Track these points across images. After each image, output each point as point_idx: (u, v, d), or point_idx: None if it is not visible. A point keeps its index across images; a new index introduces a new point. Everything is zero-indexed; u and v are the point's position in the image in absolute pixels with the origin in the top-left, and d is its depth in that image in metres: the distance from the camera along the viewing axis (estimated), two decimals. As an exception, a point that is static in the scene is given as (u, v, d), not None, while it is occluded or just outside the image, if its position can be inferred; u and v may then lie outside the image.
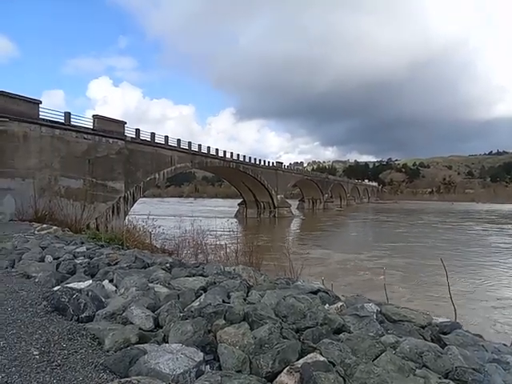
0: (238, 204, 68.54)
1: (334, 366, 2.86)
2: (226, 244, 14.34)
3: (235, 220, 47.41)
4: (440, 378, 2.86)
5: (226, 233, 18.84)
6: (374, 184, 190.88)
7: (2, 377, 2.64)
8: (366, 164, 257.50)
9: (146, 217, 18.74)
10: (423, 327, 4.13)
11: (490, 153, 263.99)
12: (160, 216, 30.05)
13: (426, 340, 3.64)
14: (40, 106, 22.10)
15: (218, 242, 16.55)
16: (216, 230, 19.06)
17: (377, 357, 3.09)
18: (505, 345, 4.42)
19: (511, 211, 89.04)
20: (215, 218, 29.49)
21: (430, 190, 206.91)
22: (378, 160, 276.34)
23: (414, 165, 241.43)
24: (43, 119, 22.03)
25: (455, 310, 5.60)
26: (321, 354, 3.07)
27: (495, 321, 12.51)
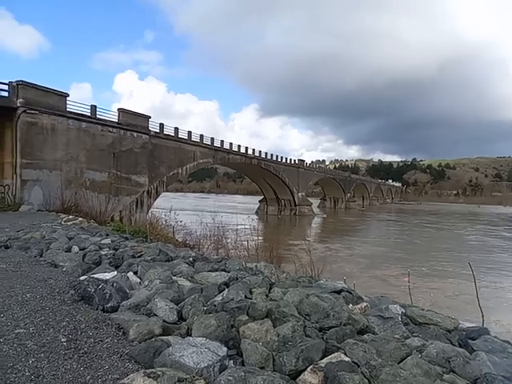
0: (259, 201, 68.51)
1: (358, 366, 2.82)
2: (247, 240, 14.34)
3: (256, 217, 47.30)
4: (468, 384, 2.78)
5: (246, 229, 18.86)
6: (398, 184, 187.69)
7: (32, 361, 2.71)
8: (390, 164, 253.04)
9: (168, 211, 18.95)
10: (450, 331, 4.04)
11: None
12: (182, 210, 30.40)
13: (453, 345, 3.55)
14: (67, 98, 22.55)
15: (238, 238, 16.59)
16: (237, 226, 19.12)
17: (402, 360, 3.03)
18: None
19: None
20: (236, 214, 29.60)
21: (455, 191, 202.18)
22: (403, 160, 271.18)
23: (439, 166, 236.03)
24: (70, 112, 22.45)
25: (482, 315, 5.43)
26: (345, 354, 3.04)
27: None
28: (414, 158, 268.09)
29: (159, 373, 2.49)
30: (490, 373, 2.99)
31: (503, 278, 19.92)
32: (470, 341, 3.86)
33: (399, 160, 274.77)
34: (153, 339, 3.20)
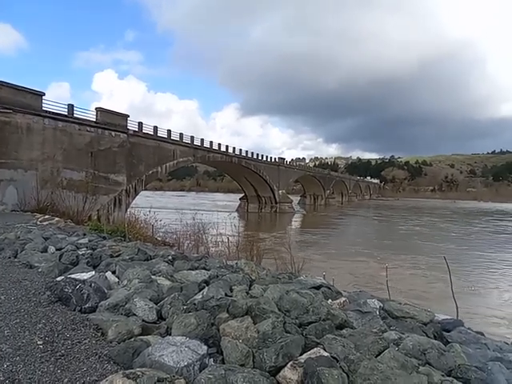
0: (240, 198, 68.35)
1: (337, 361, 2.86)
2: (227, 237, 14.32)
3: (236, 214, 47.07)
4: (443, 375, 2.85)
5: (227, 227, 18.83)
6: (376, 181, 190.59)
7: (7, 365, 2.65)
8: (369, 161, 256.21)
9: (147, 210, 18.74)
10: (426, 324, 4.13)
11: (494, 152, 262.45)
12: (161, 209, 30.10)
13: (428, 337, 3.64)
14: (44, 98, 22.04)
15: (219, 236, 16.54)
16: (217, 224, 19.05)
17: (380, 353, 3.08)
18: (506, 343, 4.41)
19: (488, 209, 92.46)
20: (216, 212, 29.51)
21: (431, 187, 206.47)
22: (381, 157, 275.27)
23: (416, 162, 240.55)
24: (46, 111, 21.95)
25: (457, 308, 5.57)
26: (324, 349, 3.07)
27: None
28: (392, 156, 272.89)
29: (139, 373, 2.47)
30: (464, 364, 3.08)
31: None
32: (444, 333, 3.97)
33: (378, 157, 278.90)
34: (132, 339, 3.17)
